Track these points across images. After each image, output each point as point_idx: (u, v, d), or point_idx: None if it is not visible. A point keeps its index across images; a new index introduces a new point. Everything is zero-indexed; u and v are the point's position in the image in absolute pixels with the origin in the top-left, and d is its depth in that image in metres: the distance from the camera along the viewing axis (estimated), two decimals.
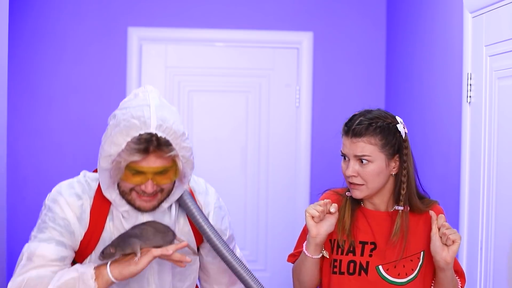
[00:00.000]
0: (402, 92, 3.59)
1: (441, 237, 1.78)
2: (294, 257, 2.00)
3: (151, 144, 1.56)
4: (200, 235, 1.80)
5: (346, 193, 1.92)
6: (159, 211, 1.72)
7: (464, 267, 2.55)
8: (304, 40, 3.89)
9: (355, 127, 1.83)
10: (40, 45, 3.74)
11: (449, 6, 2.84)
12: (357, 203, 1.93)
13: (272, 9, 3.87)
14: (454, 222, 2.65)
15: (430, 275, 1.88)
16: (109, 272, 1.58)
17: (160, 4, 3.82)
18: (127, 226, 1.69)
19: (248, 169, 3.91)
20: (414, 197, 1.88)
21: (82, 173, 1.77)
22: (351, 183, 1.86)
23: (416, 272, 1.86)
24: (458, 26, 2.70)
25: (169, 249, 1.60)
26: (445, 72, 2.89)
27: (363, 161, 1.81)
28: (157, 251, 1.59)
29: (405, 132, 1.86)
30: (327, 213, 1.83)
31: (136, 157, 1.56)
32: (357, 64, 3.92)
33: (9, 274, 3.62)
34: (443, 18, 2.93)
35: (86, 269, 1.58)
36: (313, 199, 3.88)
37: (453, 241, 1.77)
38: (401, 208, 1.86)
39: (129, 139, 1.55)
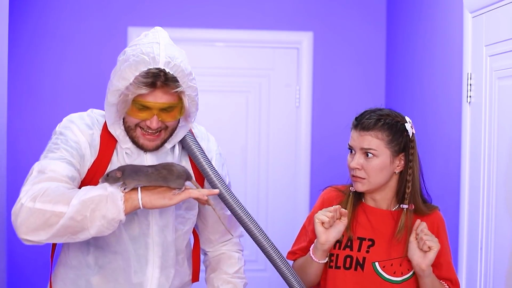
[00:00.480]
0: (402, 92, 3.59)
1: (419, 242, 1.81)
2: (294, 254, 2.02)
3: (158, 79, 1.60)
4: (201, 179, 1.84)
5: (350, 188, 1.95)
6: (162, 151, 1.76)
7: (464, 267, 2.55)
8: (304, 40, 3.89)
9: (364, 121, 1.87)
10: (40, 45, 3.74)
11: (449, 6, 2.84)
12: (358, 199, 1.95)
13: (272, 9, 3.87)
14: (454, 222, 2.65)
15: None
16: (140, 198, 1.56)
17: (160, 4, 3.82)
18: (127, 158, 1.72)
19: (248, 168, 3.91)
20: (418, 198, 1.90)
21: (89, 110, 1.80)
22: (354, 176, 1.89)
23: (412, 272, 1.87)
24: (458, 26, 2.70)
25: (205, 194, 1.61)
26: (445, 72, 2.89)
27: (369, 154, 1.85)
28: (194, 193, 1.60)
29: (413, 133, 1.90)
30: (337, 218, 1.85)
31: (143, 91, 1.60)
32: (357, 64, 3.92)
33: (9, 274, 3.62)
34: (443, 18, 2.93)
35: (115, 190, 1.55)
36: (313, 199, 3.88)
37: (430, 248, 1.79)
38: (406, 206, 1.88)
39: (137, 73, 1.59)
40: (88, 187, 1.56)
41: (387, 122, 1.86)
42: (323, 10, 3.89)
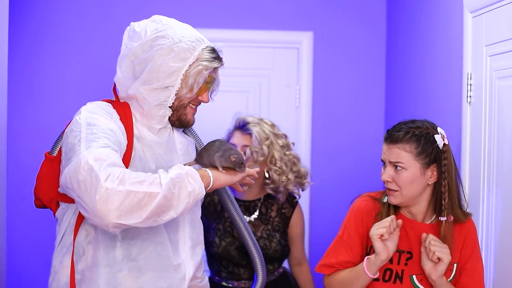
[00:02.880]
0: (402, 92, 3.59)
1: (428, 254, 1.80)
2: (331, 268, 1.96)
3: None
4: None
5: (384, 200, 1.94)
6: (181, 128, 1.85)
7: None
8: (304, 40, 3.89)
9: (394, 133, 1.87)
10: (41, 45, 3.74)
11: (449, 6, 2.84)
12: (395, 210, 1.93)
13: (272, 9, 3.87)
14: None
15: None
16: (211, 175, 1.62)
17: (160, 4, 3.82)
18: (158, 139, 1.75)
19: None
20: (456, 208, 1.88)
21: (92, 103, 1.74)
22: (387, 189, 1.88)
23: None
24: (458, 26, 2.70)
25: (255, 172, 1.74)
26: (445, 72, 2.89)
27: (398, 167, 1.84)
28: (252, 171, 1.71)
29: (444, 143, 1.87)
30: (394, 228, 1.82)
31: (217, 64, 1.75)
32: (357, 64, 3.92)
33: (9, 274, 3.62)
34: (443, 18, 2.93)
35: (190, 168, 1.59)
36: (313, 199, 3.88)
37: (439, 259, 1.78)
38: (444, 219, 1.86)
39: (196, 53, 1.71)
40: (161, 170, 1.58)
41: (415, 134, 1.85)
42: (323, 10, 3.89)
